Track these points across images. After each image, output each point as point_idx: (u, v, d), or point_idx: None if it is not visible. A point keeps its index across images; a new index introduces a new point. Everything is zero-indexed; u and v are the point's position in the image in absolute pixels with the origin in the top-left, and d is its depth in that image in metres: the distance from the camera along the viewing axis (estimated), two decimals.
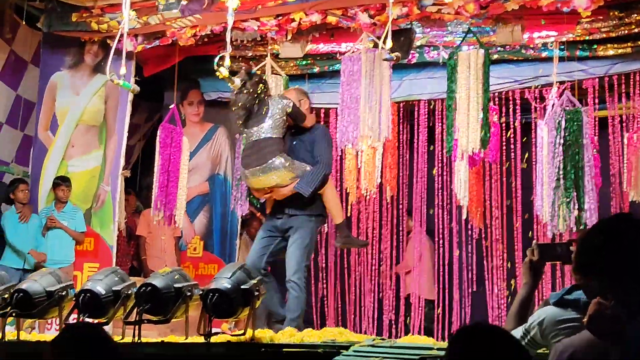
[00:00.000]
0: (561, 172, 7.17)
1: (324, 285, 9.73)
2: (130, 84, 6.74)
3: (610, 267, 2.29)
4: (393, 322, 9.52)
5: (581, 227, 7.04)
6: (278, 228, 6.63)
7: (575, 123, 7.27)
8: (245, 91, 6.47)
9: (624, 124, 8.66)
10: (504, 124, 8.87)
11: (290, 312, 6.35)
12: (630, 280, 2.26)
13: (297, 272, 6.38)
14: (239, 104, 6.51)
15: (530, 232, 8.97)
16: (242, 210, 8.38)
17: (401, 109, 9.34)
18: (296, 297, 6.37)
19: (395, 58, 5.91)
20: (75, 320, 5.44)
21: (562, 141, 7.21)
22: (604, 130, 8.74)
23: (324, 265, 9.75)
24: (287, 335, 5.47)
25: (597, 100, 8.56)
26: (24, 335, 5.67)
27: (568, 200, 7.17)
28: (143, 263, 9.28)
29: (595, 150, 7.90)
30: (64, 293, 5.42)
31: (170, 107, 8.66)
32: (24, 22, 8.70)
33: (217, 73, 5.57)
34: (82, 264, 8.35)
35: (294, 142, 6.75)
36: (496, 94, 8.41)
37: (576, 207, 7.15)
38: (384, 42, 5.59)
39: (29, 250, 8.11)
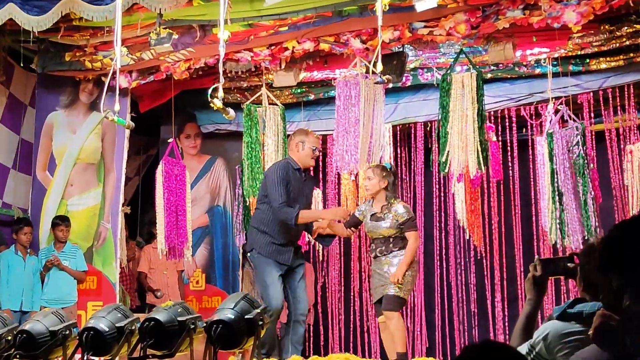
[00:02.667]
0: (579, 187, 7.24)
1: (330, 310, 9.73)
2: (125, 120, 6.74)
3: (631, 263, 2.28)
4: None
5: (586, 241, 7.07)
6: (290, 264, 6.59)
7: (582, 138, 7.34)
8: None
9: (621, 137, 8.66)
10: (500, 142, 8.89)
11: (299, 345, 6.40)
12: None
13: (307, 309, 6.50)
14: None
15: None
16: (240, 241, 8.46)
17: (398, 132, 9.36)
18: (303, 334, 6.46)
19: (386, 81, 5.92)
20: None
21: (575, 157, 7.29)
22: (601, 144, 8.74)
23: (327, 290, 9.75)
24: None
25: (592, 114, 8.58)
26: None
27: (580, 215, 7.23)
28: (146, 298, 9.26)
29: (592, 164, 7.93)
30: (67, 332, 5.37)
31: (168, 141, 8.69)
32: (18, 65, 8.69)
33: (211, 104, 5.57)
34: (85, 302, 8.31)
35: (305, 191, 6.78)
36: (492, 112, 8.43)
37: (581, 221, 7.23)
38: (375, 66, 5.60)
39: None
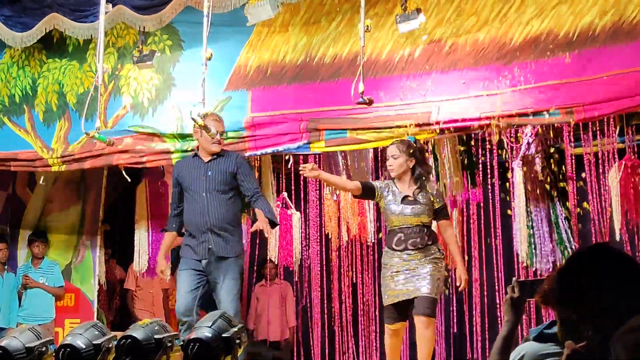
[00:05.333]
0: (551, 210, 7.26)
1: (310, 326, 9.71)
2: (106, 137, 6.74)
3: (588, 297, 2.29)
4: None
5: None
6: (203, 270, 6.31)
7: (555, 160, 7.38)
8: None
9: (600, 161, 8.70)
10: (481, 165, 8.92)
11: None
12: (607, 310, 2.26)
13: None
14: None
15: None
16: None
17: (379, 153, 9.37)
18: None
19: (368, 101, 5.96)
20: None
21: (553, 180, 7.33)
22: (581, 169, 8.78)
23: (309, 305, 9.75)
24: None
25: (572, 138, 8.62)
26: None
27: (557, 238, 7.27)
28: (132, 316, 9.17)
29: (568, 186, 7.99)
30: (44, 349, 5.33)
31: None
32: None
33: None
34: (63, 320, 8.26)
35: (209, 173, 6.31)
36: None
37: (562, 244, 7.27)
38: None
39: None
